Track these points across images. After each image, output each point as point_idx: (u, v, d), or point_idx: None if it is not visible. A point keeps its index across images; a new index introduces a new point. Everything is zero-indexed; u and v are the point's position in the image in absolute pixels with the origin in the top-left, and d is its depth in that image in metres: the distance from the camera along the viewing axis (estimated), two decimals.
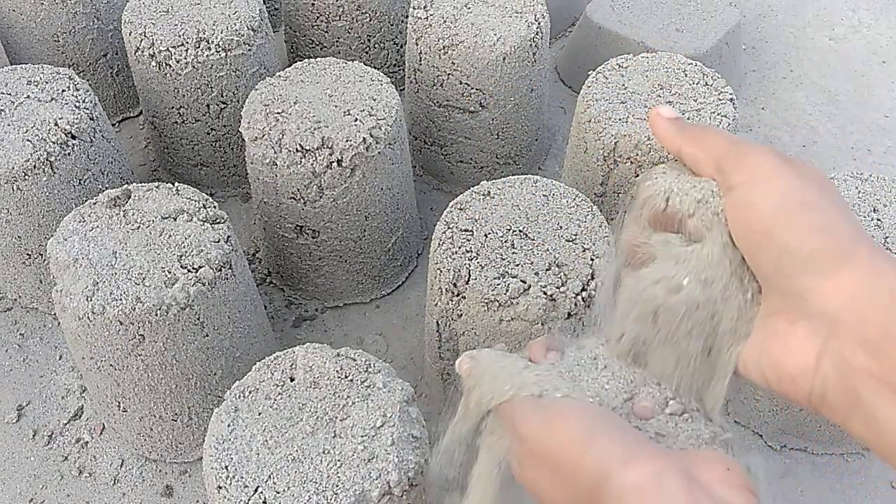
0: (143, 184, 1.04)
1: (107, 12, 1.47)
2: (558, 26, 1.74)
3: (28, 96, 1.15)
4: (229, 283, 0.97)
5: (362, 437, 0.79)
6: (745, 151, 0.51)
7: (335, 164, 1.07)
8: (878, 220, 0.96)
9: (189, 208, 0.99)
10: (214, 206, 1.01)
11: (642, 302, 0.55)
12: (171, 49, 1.24)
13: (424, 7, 1.29)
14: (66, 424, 1.13)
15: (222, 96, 1.29)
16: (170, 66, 1.25)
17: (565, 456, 0.50)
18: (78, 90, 1.17)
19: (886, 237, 0.93)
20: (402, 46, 1.55)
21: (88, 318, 0.90)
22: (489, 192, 1.03)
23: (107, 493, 1.06)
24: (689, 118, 1.08)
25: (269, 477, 0.76)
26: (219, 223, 0.99)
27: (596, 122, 1.09)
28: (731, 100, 1.11)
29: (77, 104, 1.14)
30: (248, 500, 0.75)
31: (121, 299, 0.90)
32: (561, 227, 0.98)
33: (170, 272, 0.93)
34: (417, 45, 1.28)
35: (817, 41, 1.75)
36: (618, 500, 0.46)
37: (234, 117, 1.32)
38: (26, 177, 1.08)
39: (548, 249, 0.96)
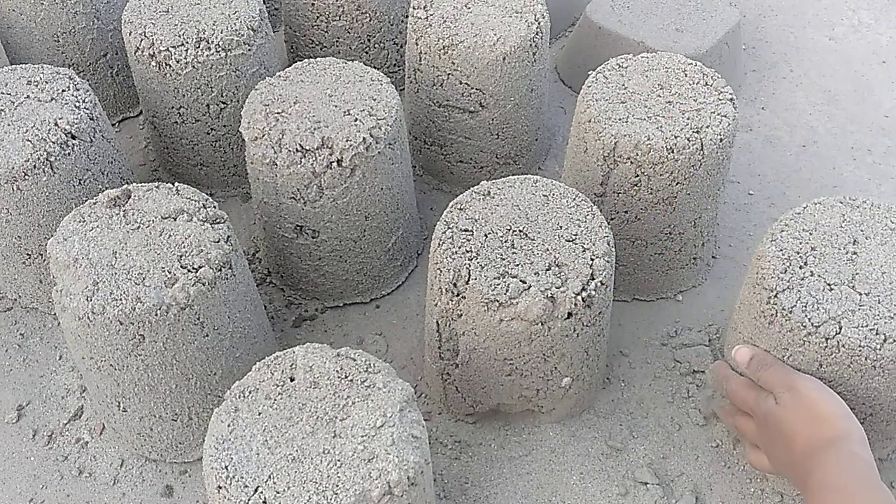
0: (143, 184, 1.04)
1: (107, 12, 1.47)
2: (558, 26, 1.74)
3: (28, 96, 1.15)
4: (229, 283, 0.97)
5: (362, 437, 0.79)
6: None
7: (335, 164, 1.07)
8: (854, 253, 0.90)
9: (189, 208, 0.99)
10: (214, 206, 1.01)
11: None
12: (171, 49, 1.24)
13: (424, 7, 1.29)
14: (66, 424, 1.13)
15: (222, 96, 1.29)
16: (170, 66, 1.25)
17: (828, 410, 0.83)
18: (78, 90, 1.17)
19: (855, 274, 0.88)
20: (402, 46, 1.55)
21: (88, 318, 0.90)
22: (489, 192, 1.03)
23: (107, 493, 1.06)
24: (688, 118, 1.08)
25: (269, 477, 0.76)
26: (219, 223, 0.99)
27: (596, 122, 1.09)
28: (731, 100, 1.11)
29: (77, 104, 1.14)
30: (248, 500, 0.75)
31: (121, 299, 0.90)
32: (561, 227, 0.98)
33: (170, 272, 0.93)
34: (417, 45, 1.28)
35: (817, 41, 1.75)
36: (849, 455, 0.80)
37: (234, 117, 1.32)
38: (26, 177, 1.08)
39: (548, 249, 0.96)
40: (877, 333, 0.84)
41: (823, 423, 0.82)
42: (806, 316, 0.86)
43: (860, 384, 0.87)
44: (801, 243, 0.92)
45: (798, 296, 0.88)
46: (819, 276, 0.89)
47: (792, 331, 0.88)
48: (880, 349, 0.84)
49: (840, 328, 0.85)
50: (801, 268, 0.90)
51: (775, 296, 0.89)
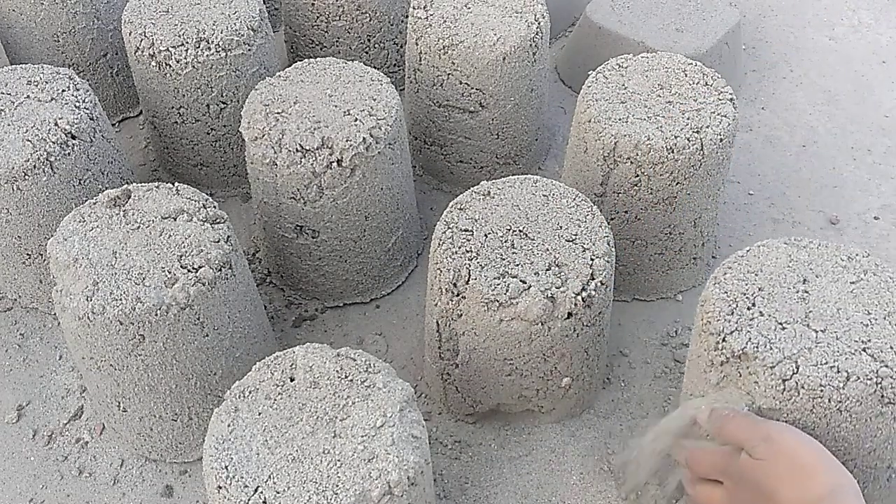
0: (143, 184, 1.04)
1: (107, 12, 1.47)
2: (558, 26, 1.74)
3: (28, 96, 1.15)
4: (229, 283, 0.97)
5: (362, 437, 0.79)
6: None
7: (335, 164, 1.07)
8: (805, 292, 0.82)
9: (189, 208, 0.99)
10: (214, 206, 1.01)
11: None
12: (171, 49, 1.24)
13: (424, 7, 1.29)
14: (66, 424, 1.13)
15: (222, 96, 1.29)
16: (170, 66, 1.25)
17: (813, 460, 0.71)
18: (78, 90, 1.17)
19: (808, 312, 0.80)
20: (402, 46, 1.55)
21: (88, 318, 0.90)
22: (489, 192, 1.03)
23: (107, 493, 1.06)
24: (688, 118, 1.08)
25: (269, 477, 0.76)
26: (219, 223, 0.99)
27: (596, 122, 1.09)
28: (731, 100, 1.11)
29: (77, 104, 1.14)
30: (248, 500, 0.75)
31: (121, 299, 0.90)
32: (561, 227, 0.98)
33: (170, 272, 0.93)
34: (417, 45, 1.28)
35: (817, 41, 1.75)
36: None
37: (234, 117, 1.32)
38: (26, 177, 1.08)
39: (548, 249, 0.96)
40: (838, 371, 0.74)
41: (810, 478, 0.70)
42: (758, 357, 0.77)
43: (827, 433, 0.76)
44: (746, 285, 0.83)
45: (748, 336, 0.78)
46: (769, 315, 0.79)
47: (744, 376, 0.79)
48: (843, 388, 0.74)
49: (797, 367, 0.75)
50: (748, 309, 0.81)
51: (723, 339, 0.80)
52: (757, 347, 0.77)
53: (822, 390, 0.75)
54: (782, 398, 0.76)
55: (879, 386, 0.75)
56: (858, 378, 0.74)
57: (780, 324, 0.79)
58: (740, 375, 0.79)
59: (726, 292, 0.82)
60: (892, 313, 0.80)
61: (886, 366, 0.75)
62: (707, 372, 0.83)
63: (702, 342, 0.84)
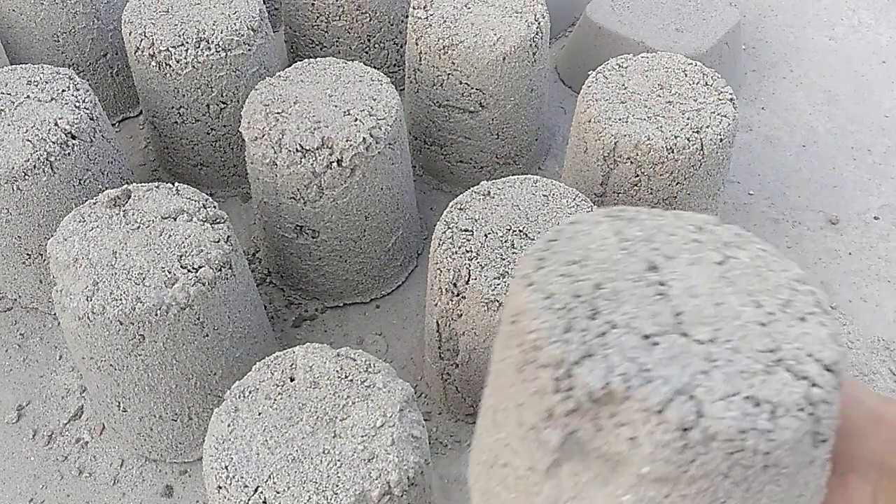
0: (143, 184, 1.04)
1: (107, 12, 1.47)
2: (558, 26, 1.74)
3: (28, 96, 1.15)
4: (229, 283, 0.97)
5: (362, 437, 0.79)
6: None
7: (335, 164, 1.07)
8: (660, 283, 0.45)
9: (189, 208, 0.99)
10: (214, 206, 1.01)
11: None
12: (171, 49, 1.24)
13: (424, 7, 1.29)
14: (66, 424, 1.13)
15: (222, 96, 1.29)
16: (170, 66, 1.25)
17: None
18: (78, 90, 1.17)
19: (677, 313, 0.44)
20: (402, 46, 1.55)
21: (88, 318, 0.90)
22: (489, 192, 1.03)
23: (107, 493, 1.06)
24: (688, 118, 1.08)
25: (269, 477, 0.76)
26: (219, 223, 0.99)
27: (596, 122, 1.09)
28: (731, 100, 1.11)
29: (77, 104, 1.14)
30: (248, 500, 0.75)
31: (121, 299, 0.90)
32: None
33: (170, 272, 0.93)
34: (417, 45, 1.28)
35: (817, 41, 1.75)
36: None
37: (234, 117, 1.32)
38: (26, 177, 1.08)
39: None
40: (757, 404, 0.42)
41: None
42: (633, 395, 0.42)
43: None
44: (574, 281, 0.47)
45: (606, 364, 0.42)
46: (625, 326, 0.45)
47: (607, 436, 0.44)
48: (773, 430, 0.41)
49: (700, 406, 0.41)
50: (592, 319, 0.45)
51: (567, 376, 0.43)
52: (628, 379, 0.42)
53: (743, 439, 0.42)
54: (681, 460, 0.42)
55: (813, 417, 0.43)
56: (788, 410, 0.42)
57: (647, 336, 0.45)
58: (601, 441, 0.43)
59: (548, 297, 0.46)
60: (789, 301, 0.47)
61: (815, 384, 0.43)
62: (538, 434, 0.44)
63: (520, 388, 0.45)
